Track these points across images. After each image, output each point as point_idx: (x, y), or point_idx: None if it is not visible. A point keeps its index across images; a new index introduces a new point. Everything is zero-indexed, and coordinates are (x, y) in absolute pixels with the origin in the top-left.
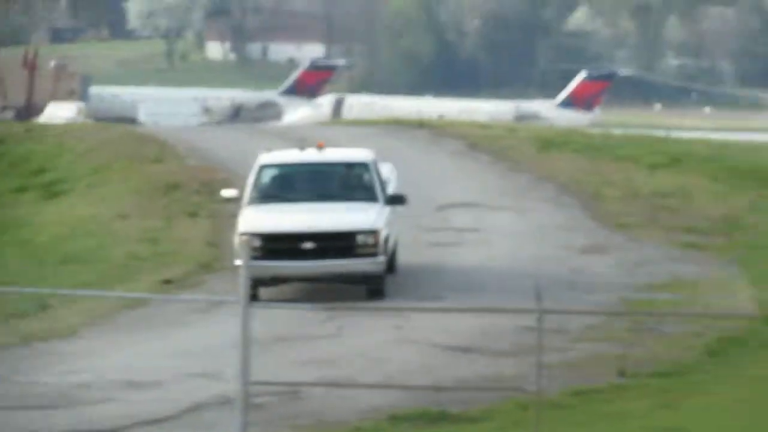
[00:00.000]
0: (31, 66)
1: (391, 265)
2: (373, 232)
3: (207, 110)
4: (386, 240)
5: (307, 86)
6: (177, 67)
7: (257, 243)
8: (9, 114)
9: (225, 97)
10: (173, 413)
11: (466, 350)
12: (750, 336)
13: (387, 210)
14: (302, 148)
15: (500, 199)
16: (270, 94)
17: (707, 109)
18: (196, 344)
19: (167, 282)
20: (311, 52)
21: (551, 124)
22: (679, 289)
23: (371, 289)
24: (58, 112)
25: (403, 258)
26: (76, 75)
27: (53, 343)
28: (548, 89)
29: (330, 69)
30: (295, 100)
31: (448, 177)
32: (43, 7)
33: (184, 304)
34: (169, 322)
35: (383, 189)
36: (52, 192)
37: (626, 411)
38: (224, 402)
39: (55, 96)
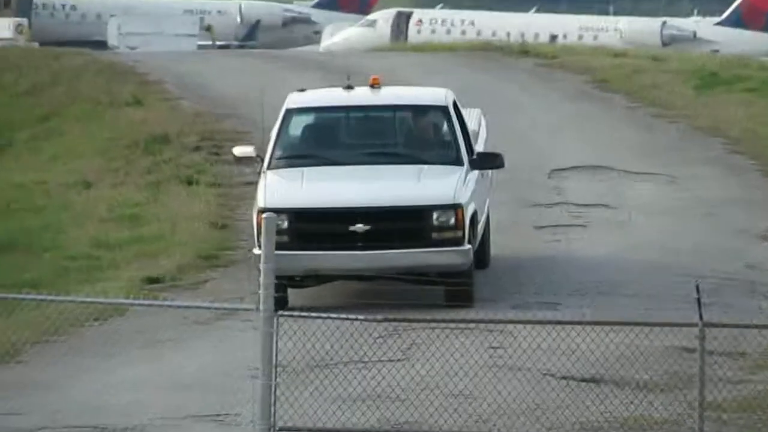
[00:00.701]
0: None
1: (481, 257)
2: (455, 209)
3: (208, 29)
4: (473, 220)
5: None
6: None
7: (285, 224)
8: None
9: (234, 10)
10: None
11: (594, 381)
12: None
13: (474, 176)
14: (349, 85)
15: (642, 161)
16: (300, 8)
17: None
18: (195, 372)
19: (153, 281)
20: None
21: (715, 50)
22: None
23: (453, 291)
24: None
25: (500, 247)
26: None
27: None
28: (708, 0)
29: None
30: (336, 15)
31: (566, 128)
32: None
33: (179, 313)
34: (156, 340)
35: (469, 146)
36: None
37: None
38: None
39: None
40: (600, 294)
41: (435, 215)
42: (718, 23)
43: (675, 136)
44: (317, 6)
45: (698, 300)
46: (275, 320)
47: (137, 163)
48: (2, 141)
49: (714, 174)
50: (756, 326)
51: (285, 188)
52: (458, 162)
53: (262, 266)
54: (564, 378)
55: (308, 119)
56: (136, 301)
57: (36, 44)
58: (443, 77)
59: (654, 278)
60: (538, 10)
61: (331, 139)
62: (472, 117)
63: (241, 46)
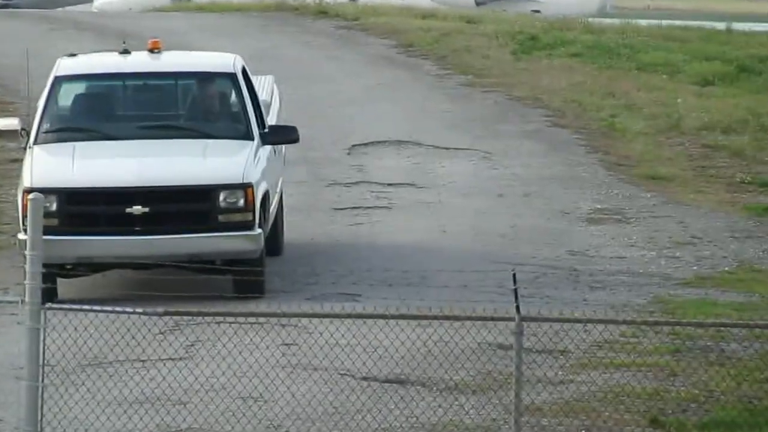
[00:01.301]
0: None
1: (274, 243)
2: (245, 188)
3: None
4: (265, 201)
5: None
6: None
7: (54, 206)
8: None
9: None
10: None
11: (398, 382)
12: None
13: (266, 152)
14: (125, 50)
15: (453, 135)
16: None
17: None
18: None
19: None
20: None
21: (535, 11)
22: (750, 284)
23: (242, 281)
24: None
25: (294, 231)
26: None
27: None
28: None
29: None
30: None
31: (368, 99)
32: None
33: None
34: None
35: (260, 118)
36: None
37: None
38: None
39: None
40: (406, 284)
41: (222, 196)
42: None
43: (490, 106)
44: None
45: (515, 291)
46: (42, 314)
47: None
48: None
49: (533, 149)
50: (579, 320)
51: (53, 166)
52: (248, 136)
53: (27, 253)
54: (365, 378)
55: (79, 88)
56: None
57: None
58: (232, 41)
59: (466, 266)
60: None
61: (105, 110)
62: (264, 86)
63: (3, 6)
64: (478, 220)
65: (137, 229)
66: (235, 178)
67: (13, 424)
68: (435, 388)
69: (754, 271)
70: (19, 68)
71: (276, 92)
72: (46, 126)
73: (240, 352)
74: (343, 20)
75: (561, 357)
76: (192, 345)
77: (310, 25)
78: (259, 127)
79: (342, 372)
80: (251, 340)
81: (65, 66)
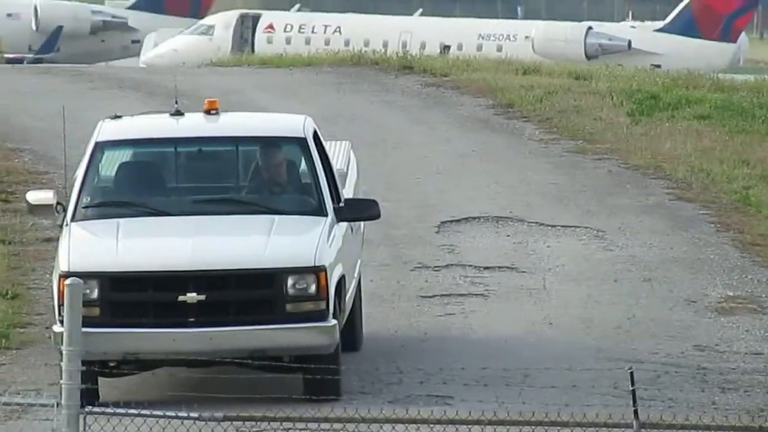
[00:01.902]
0: None
1: (351, 336)
2: (317, 273)
3: None
4: (340, 288)
5: None
6: None
7: (95, 293)
8: None
9: (28, 12)
10: None
11: None
12: None
13: (341, 230)
14: (178, 111)
15: (560, 210)
16: (115, 9)
17: None
18: None
19: None
20: None
21: (656, 65)
22: None
23: (314, 381)
24: None
25: (374, 323)
26: None
27: None
28: None
29: None
30: (161, 19)
31: (460, 168)
32: None
33: None
34: None
35: (335, 190)
36: None
37: None
38: None
39: None
40: (506, 385)
41: (290, 281)
42: (660, 29)
43: (603, 177)
44: (135, 7)
45: (633, 392)
46: (82, 419)
47: None
48: None
49: (654, 227)
50: (708, 427)
51: (94, 246)
52: (320, 212)
53: (64, 349)
54: None
55: (124, 155)
56: None
57: None
58: (301, 101)
59: (576, 364)
60: (424, 13)
61: (154, 181)
62: (339, 153)
63: (37, 60)
64: (590, 309)
65: (191, 320)
66: (306, 260)
67: None
68: None
69: None
70: (53, 132)
71: (353, 160)
72: (85, 200)
73: None
74: (431, 76)
75: None
76: None
77: (393, 82)
78: (333, 200)
79: None
80: None
81: (108, 130)
